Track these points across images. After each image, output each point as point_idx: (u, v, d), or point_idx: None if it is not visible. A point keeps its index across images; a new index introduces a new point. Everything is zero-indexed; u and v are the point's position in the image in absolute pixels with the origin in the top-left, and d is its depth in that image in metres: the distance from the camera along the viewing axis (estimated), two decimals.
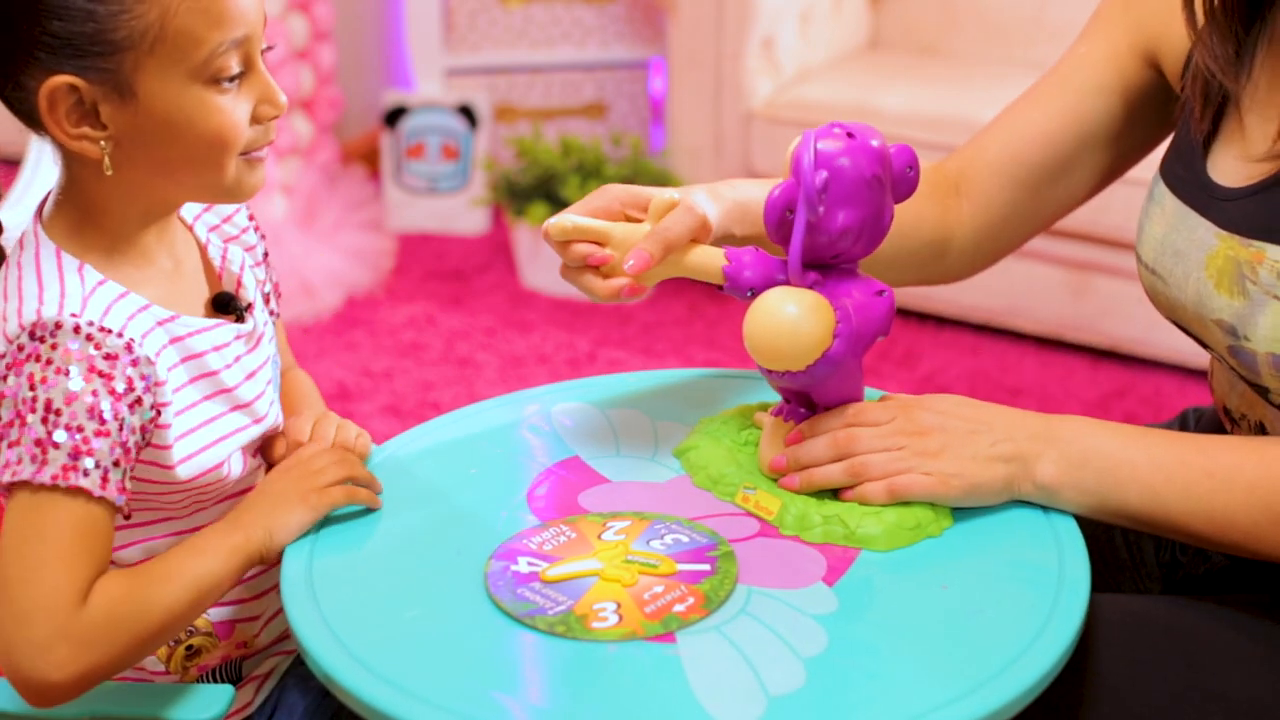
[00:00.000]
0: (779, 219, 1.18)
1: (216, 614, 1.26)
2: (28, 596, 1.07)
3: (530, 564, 1.16)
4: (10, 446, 1.09)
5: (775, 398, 1.30)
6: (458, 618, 1.12)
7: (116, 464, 1.11)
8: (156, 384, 1.14)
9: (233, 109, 1.15)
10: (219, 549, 1.16)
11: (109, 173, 1.14)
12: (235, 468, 1.23)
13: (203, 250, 1.27)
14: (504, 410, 1.41)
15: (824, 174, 1.15)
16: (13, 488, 1.09)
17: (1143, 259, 1.31)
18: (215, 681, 1.27)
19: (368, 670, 1.06)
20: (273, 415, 1.27)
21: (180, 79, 1.12)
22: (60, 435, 1.08)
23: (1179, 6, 1.26)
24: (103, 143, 1.13)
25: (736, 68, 3.18)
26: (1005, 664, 1.05)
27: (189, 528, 1.23)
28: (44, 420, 1.09)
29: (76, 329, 1.10)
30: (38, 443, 1.08)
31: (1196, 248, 1.24)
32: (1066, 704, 1.16)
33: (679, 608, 1.12)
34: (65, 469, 1.08)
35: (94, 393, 1.10)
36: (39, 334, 1.10)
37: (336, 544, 1.20)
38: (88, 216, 1.17)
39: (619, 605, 1.12)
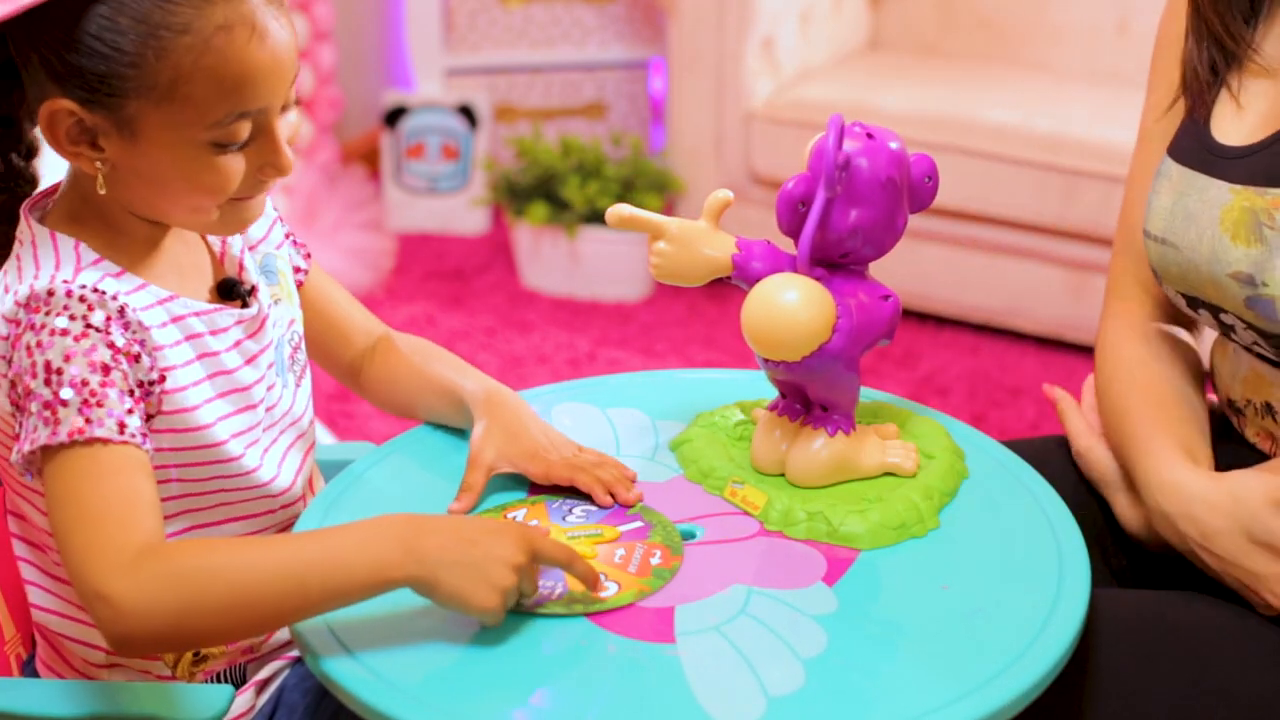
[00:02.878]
0: (792, 211, 1.18)
1: None
2: (86, 543, 1.05)
3: None
4: (27, 418, 1.10)
5: (773, 396, 1.30)
6: (457, 618, 1.11)
7: (130, 411, 1.10)
8: (155, 348, 1.15)
9: (228, 166, 1.14)
10: (360, 555, 1.06)
11: (102, 191, 1.15)
12: (247, 460, 1.22)
13: (203, 234, 1.27)
14: None
15: (847, 154, 1.15)
16: (39, 457, 1.09)
17: (1151, 233, 1.32)
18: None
19: (368, 671, 1.06)
20: (272, 399, 1.26)
21: (181, 135, 1.12)
22: (67, 393, 1.08)
23: None
24: (99, 163, 1.14)
25: (736, 68, 3.18)
26: (1006, 664, 1.05)
27: (207, 522, 1.23)
28: (47, 382, 1.09)
29: (69, 293, 1.11)
30: (46, 405, 1.09)
31: (1209, 206, 1.26)
32: (1070, 702, 1.16)
33: (655, 560, 1.15)
34: (79, 425, 1.08)
35: (92, 347, 1.10)
36: (33, 304, 1.11)
37: None
38: (90, 206, 1.18)
39: (605, 575, 1.14)
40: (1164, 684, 1.16)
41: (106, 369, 1.10)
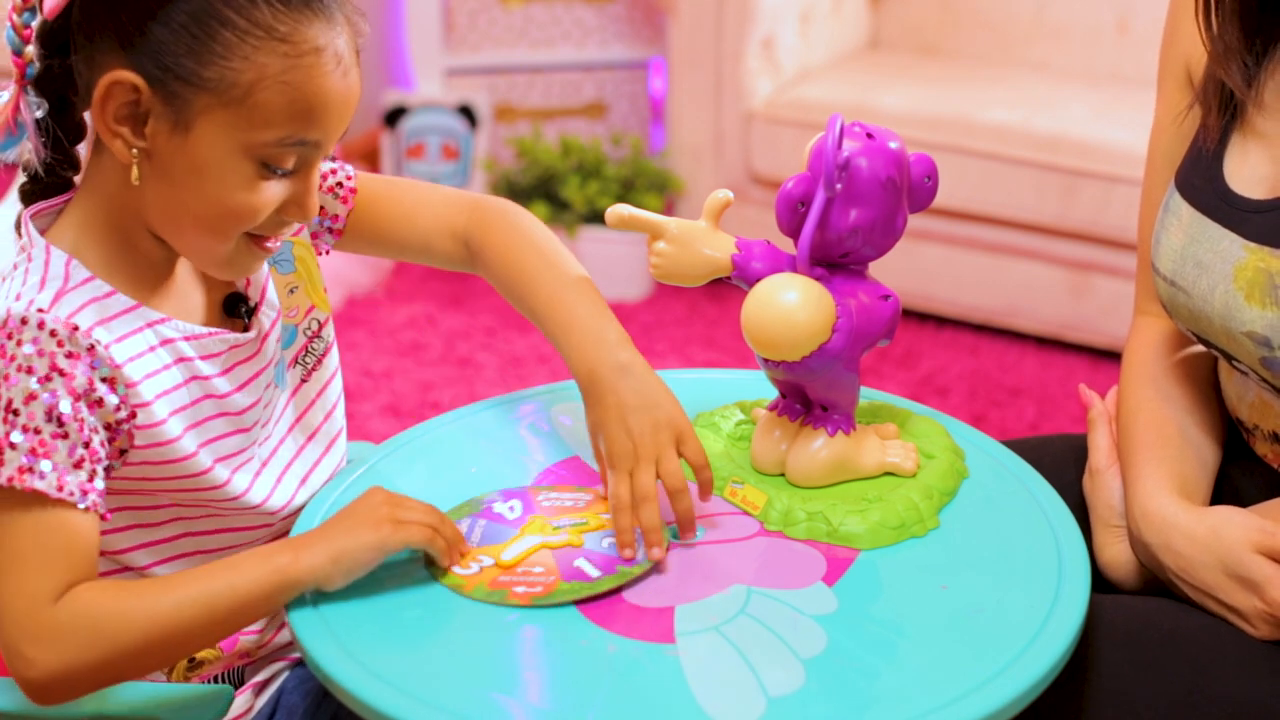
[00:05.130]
0: (791, 211, 1.18)
1: None
2: (10, 590, 1.06)
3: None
4: None
5: (773, 397, 1.30)
6: (457, 618, 1.12)
7: (78, 465, 1.09)
8: (129, 384, 1.13)
9: (263, 193, 1.13)
10: (256, 566, 1.10)
11: (136, 182, 1.12)
12: (235, 484, 1.21)
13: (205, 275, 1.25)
14: (504, 410, 1.41)
15: (846, 154, 1.15)
16: None
17: (1160, 271, 1.30)
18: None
19: (367, 671, 1.06)
20: (265, 418, 1.25)
21: (236, 142, 1.11)
22: (17, 436, 1.07)
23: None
24: (134, 151, 1.11)
25: (736, 68, 3.18)
26: (1006, 664, 1.05)
27: (203, 530, 1.23)
28: (4, 420, 1.08)
29: (41, 324, 1.09)
30: None
31: (1222, 260, 1.23)
32: (1069, 707, 1.15)
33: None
34: (20, 470, 1.07)
35: (53, 393, 1.08)
36: (7, 330, 1.09)
37: None
38: (104, 215, 1.16)
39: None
40: (1161, 689, 1.16)
41: (62, 420, 1.08)
